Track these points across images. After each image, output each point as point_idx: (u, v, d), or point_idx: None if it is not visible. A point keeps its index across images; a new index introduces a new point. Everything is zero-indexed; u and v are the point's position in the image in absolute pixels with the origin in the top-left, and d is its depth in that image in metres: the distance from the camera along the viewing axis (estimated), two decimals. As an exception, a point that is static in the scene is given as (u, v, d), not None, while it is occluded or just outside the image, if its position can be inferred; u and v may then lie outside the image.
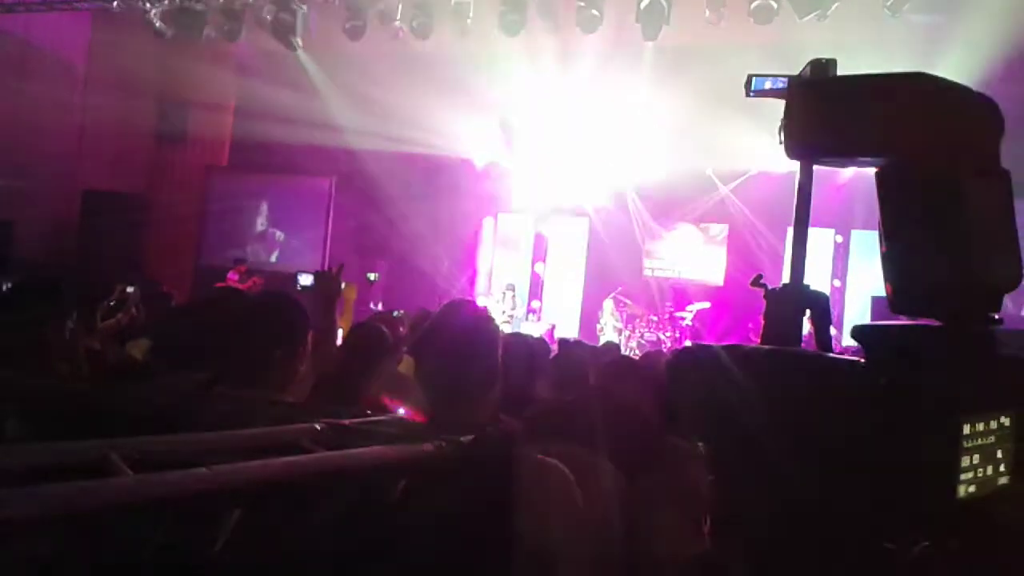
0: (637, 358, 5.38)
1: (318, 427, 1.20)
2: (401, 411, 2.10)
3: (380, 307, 12.13)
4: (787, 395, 0.91)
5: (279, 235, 14.44)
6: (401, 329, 4.48)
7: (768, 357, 1.02)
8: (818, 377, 0.93)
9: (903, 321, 0.97)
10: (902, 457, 0.83)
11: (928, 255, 0.92)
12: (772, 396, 0.91)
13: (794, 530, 0.90)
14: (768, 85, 2.24)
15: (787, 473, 0.89)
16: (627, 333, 12.83)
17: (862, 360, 0.92)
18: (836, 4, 9.38)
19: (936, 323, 0.94)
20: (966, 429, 0.85)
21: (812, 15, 9.41)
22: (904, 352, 0.89)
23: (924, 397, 0.84)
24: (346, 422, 1.28)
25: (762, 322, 1.36)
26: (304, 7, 11.33)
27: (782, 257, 11.99)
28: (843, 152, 1.02)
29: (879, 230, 0.97)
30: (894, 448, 0.83)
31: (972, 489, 0.85)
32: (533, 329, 12.05)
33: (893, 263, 0.96)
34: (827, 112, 1.00)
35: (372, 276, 11.47)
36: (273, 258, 14.36)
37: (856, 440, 0.85)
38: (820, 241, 12.39)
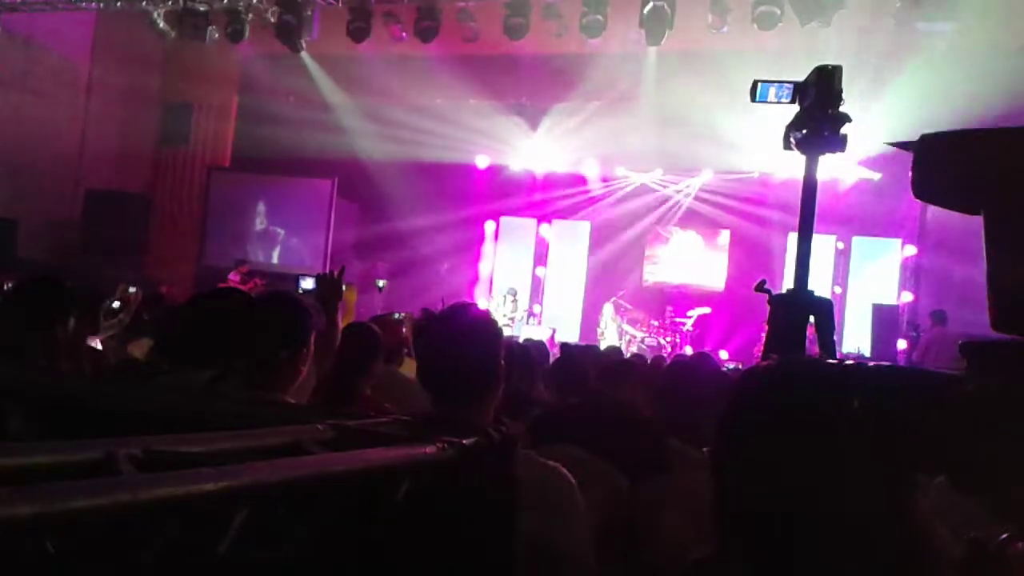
0: (638, 362, 5.37)
1: (321, 428, 1.20)
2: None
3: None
4: (892, 405, 1.01)
5: (280, 236, 14.44)
6: (403, 331, 4.48)
7: (872, 372, 1.11)
8: (923, 388, 1.04)
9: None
10: (987, 453, 0.94)
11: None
12: (875, 408, 1.00)
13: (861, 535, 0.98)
14: (773, 91, 2.25)
15: (850, 478, 0.97)
16: (628, 338, 12.83)
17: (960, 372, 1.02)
18: (839, 11, 9.38)
19: None
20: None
21: (815, 22, 9.41)
22: (1001, 363, 1.00)
23: (1007, 400, 0.95)
24: (349, 423, 1.28)
25: (766, 328, 1.37)
26: (308, 10, 11.34)
27: (783, 262, 12.00)
28: (965, 195, 1.17)
29: (986, 260, 1.09)
30: (982, 445, 0.94)
31: None
32: (534, 333, 12.05)
33: (996, 289, 1.07)
34: (951, 165, 1.15)
35: (380, 283, 11.42)
36: (274, 259, 14.37)
37: (946, 441, 0.95)
38: (821, 247, 12.39)
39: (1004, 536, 0.98)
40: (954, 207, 1.23)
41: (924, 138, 1.15)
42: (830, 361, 1.20)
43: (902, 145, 1.22)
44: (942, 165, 1.15)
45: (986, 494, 0.96)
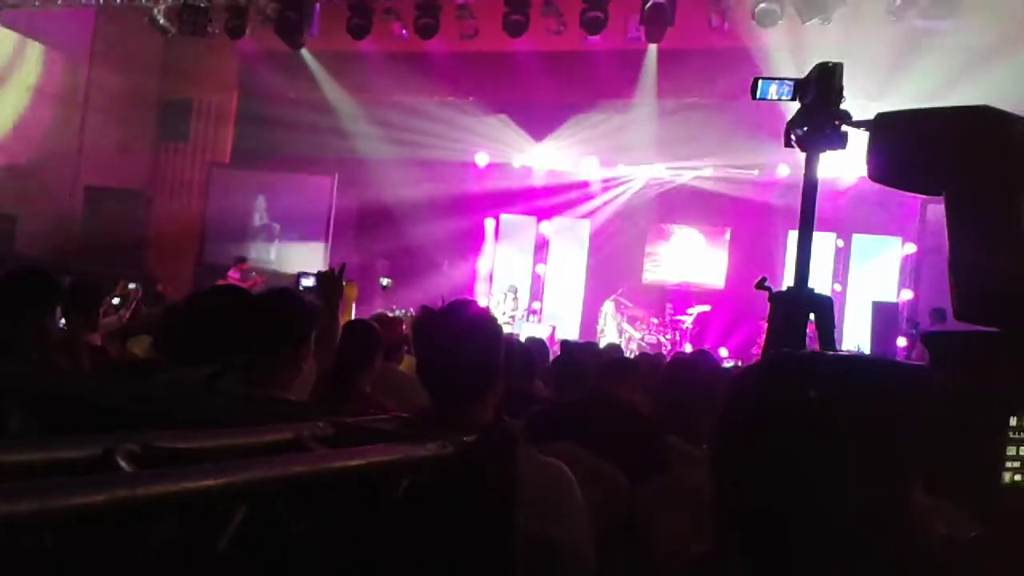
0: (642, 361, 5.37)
1: (320, 425, 1.20)
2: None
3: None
4: (856, 397, 0.98)
5: (280, 233, 14.42)
6: (403, 328, 4.48)
7: (839, 362, 1.08)
8: (888, 379, 1.00)
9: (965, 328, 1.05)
10: (955, 448, 0.91)
11: (989, 270, 1.00)
12: (840, 399, 0.97)
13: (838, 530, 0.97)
14: (774, 88, 2.25)
15: (842, 473, 0.95)
16: (627, 335, 12.83)
17: (927, 364, 1.00)
18: (840, 8, 9.38)
19: (992, 329, 1.01)
20: (1012, 422, 0.93)
21: (816, 19, 9.40)
22: (963, 355, 0.97)
23: (975, 394, 0.92)
24: (349, 420, 1.28)
25: (766, 325, 1.37)
26: (308, 6, 11.33)
27: (784, 260, 11.99)
28: (920, 176, 1.11)
29: (948, 247, 1.04)
30: (949, 439, 0.91)
31: (1018, 477, 0.92)
32: (534, 330, 12.05)
33: (958, 277, 1.03)
34: (908, 144, 1.10)
35: (385, 281, 11.35)
36: (274, 255, 14.37)
37: (917, 435, 0.93)
38: (821, 245, 12.37)
39: (974, 534, 0.97)
40: (911, 189, 1.19)
41: (880, 117, 1.11)
42: (825, 353, 1.19)
43: (858, 124, 1.19)
44: (899, 145, 1.10)
45: (951, 494, 0.95)
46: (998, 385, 0.93)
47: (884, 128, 1.11)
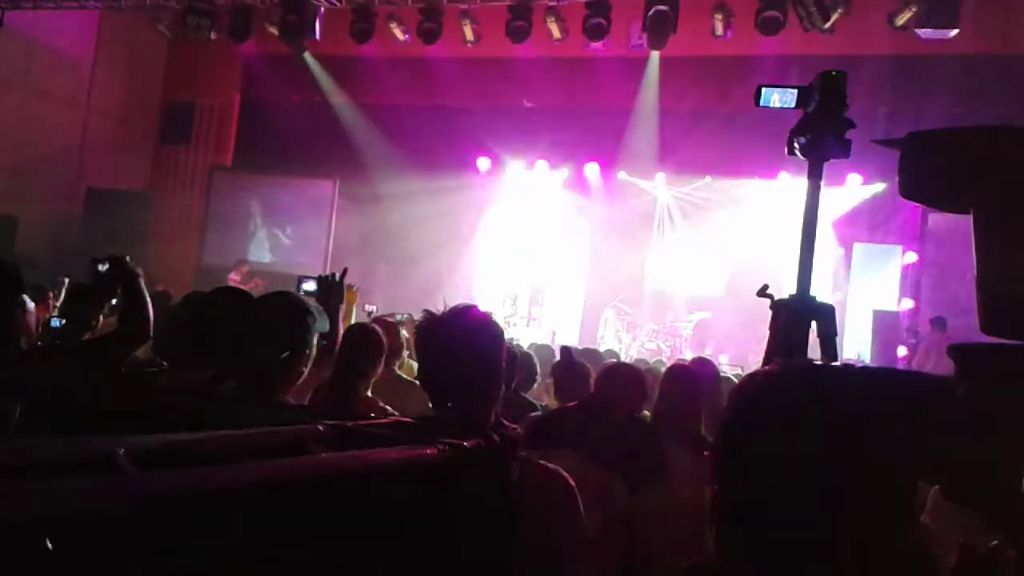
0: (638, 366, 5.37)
1: (321, 428, 1.19)
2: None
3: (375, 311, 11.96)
4: (883, 409, 1.01)
5: (281, 236, 14.45)
6: (404, 332, 4.48)
7: (869, 374, 1.12)
8: (913, 390, 1.04)
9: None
10: (977, 456, 0.94)
11: (1015, 285, 1.04)
12: (869, 411, 1.00)
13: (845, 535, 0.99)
14: (777, 96, 2.25)
15: (850, 484, 0.97)
16: (627, 342, 12.81)
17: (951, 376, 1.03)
18: (842, 17, 9.38)
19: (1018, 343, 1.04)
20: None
21: (818, 28, 9.41)
22: (988, 366, 1.00)
23: (998, 403, 0.95)
24: (349, 424, 1.28)
25: (768, 332, 1.37)
26: (311, 10, 11.34)
27: (785, 268, 11.97)
28: (951, 194, 1.16)
29: (975, 262, 1.07)
30: (972, 448, 0.94)
31: None
32: (534, 336, 12.04)
33: (985, 291, 1.06)
34: (939, 163, 1.14)
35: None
36: (275, 259, 14.37)
37: (938, 444, 0.95)
38: (822, 253, 12.34)
39: (994, 542, 0.98)
40: (941, 207, 1.22)
41: (911, 136, 1.14)
42: (831, 364, 1.21)
43: (888, 143, 1.20)
44: (930, 164, 1.14)
45: (973, 502, 0.96)
46: (1020, 395, 0.96)
47: (916, 148, 1.15)
